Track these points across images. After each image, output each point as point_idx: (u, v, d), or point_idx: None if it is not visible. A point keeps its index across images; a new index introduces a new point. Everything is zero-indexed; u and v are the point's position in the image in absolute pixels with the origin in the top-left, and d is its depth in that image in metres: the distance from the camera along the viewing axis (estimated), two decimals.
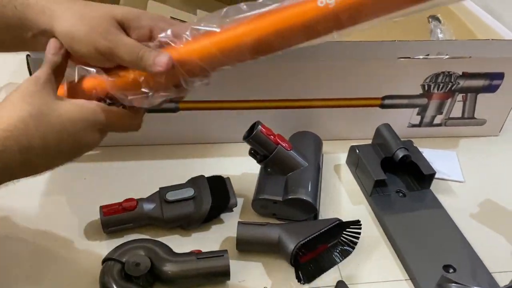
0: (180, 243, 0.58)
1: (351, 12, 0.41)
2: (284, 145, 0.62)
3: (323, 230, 0.56)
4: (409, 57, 0.68)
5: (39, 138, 0.40)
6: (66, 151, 0.43)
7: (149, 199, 0.60)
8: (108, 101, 0.47)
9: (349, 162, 0.72)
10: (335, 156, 0.75)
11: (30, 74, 0.65)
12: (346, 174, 0.72)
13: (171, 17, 0.73)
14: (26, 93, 0.41)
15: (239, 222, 0.57)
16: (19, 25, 0.46)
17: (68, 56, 0.46)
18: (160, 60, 0.43)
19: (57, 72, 0.45)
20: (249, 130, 0.62)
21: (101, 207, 0.58)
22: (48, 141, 0.41)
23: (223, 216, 0.62)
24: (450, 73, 0.71)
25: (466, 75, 0.72)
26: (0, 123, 0.39)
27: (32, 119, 0.40)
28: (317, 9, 0.41)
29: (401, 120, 0.76)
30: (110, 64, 0.46)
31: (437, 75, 0.71)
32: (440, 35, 0.76)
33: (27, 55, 0.62)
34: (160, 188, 0.61)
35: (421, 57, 0.69)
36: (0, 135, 0.38)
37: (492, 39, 0.70)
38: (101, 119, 0.44)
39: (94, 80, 0.48)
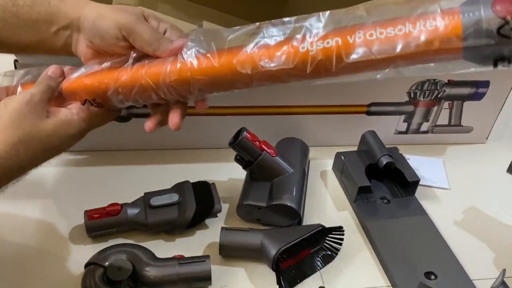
0: (164, 248, 0.58)
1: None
2: (269, 151, 0.63)
3: (305, 236, 0.56)
4: None
5: (29, 160, 0.43)
6: (51, 158, 0.46)
7: (134, 204, 0.60)
8: (92, 102, 0.48)
9: (335, 168, 0.73)
10: (322, 162, 0.75)
11: None
12: (332, 180, 0.72)
13: None
14: (18, 115, 0.42)
15: (222, 228, 0.58)
16: (46, 20, 0.47)
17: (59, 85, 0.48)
18: (177, 42, 0.46)
19: (50, 94, 0.46)
20: (234, 136, 0.63)
21: (86, 212, 0.59)
22: (37, 159, 0.44)
23: (207, 221, 0.63)
24: (436, 80, 0.72)
25: (452, 83, 0.73)
26: None
27: (22, 145, 0.41)
28: (298, 53, 0.42)
29: (388, 127, 0.77)
30: (123, 46, 0.47)
31: (423, 83, 0.72)
32: None
33: (15, 60, 0.63)
34: (145, 193, 0.61)
35: None
36: None
37: None
38: (84, 128, 0.47)
39: (83, 83, 0.48)
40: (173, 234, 0.61)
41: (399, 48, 0.39)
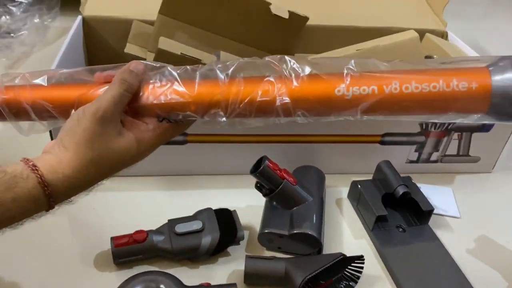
0: (188, 275, 0.59)
1: None
2: (289, 180, 0.65)
3: (328, 265, 0.57)
4: None
5: (98, 177, 0.43)
6: (118, 171, 0.46)
7: (159, 231, 0.61)
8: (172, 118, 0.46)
9: (350, 196, 0.75)
10: (337, 190, 0.77)
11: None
12: (348, 208, 0.74)
13: (181, 53, 0.76)
14: (90, 134, 0.41)
15: (247, 256, 0.59)
16: None
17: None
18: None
19: (125, 102, 0.44)
20: (255, 164, 0.64)
21: (112, 238, 0.60)
22: (106, 175, 0.44)
23: (229, 248, 0.64)
24: None
25: None
26: (65, 167, 0.41)
27: (93, 165, 0.42)
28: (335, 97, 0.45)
29: (400, 156, 0.79)
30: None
31: None
32: None
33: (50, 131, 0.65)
34: (168, 220, 0.62)
35: None
36: (65, 181, 0.40)
37: None
38: (156, 145, 0.46)
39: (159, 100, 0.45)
40: (197, 261, 0.61)
41: (430, 104, 0.43)
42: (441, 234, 0.69)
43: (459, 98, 0.43)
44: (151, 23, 0.85)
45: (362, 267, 0.61)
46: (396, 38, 0.73)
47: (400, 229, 0.68)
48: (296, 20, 0.87)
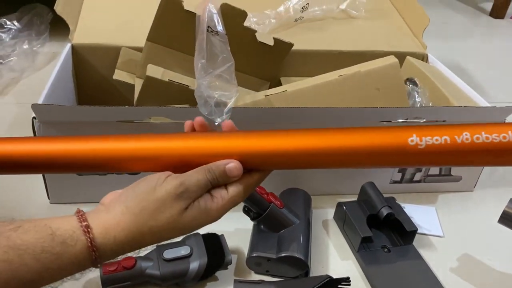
0: None
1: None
2: (276, 203, 0.66)
3: None
4: (390, 121, 0.74)
5: (151, 243, 0.42)
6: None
7: (147, 257, 0.62)
8: None
9: (336, 218, 0.76)
10: (324, 211, 0.78)
11: (34, 135, 0.67)
12: (334, 229, 0.75)
13: (169, 79, 0.78)
14: (160, 206, 0.40)
15: (235, 280, 0.60)
16: None
17: None
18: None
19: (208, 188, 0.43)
20: None
21: (101, 265, 0.60)
22: (160, 241, 0.42)
23: (217, 273, 0.65)
24: None
25: None
26: (120, 231, 0.39)
27: (151, 235, 0.40)
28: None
29: (384, 177, 0.81)
30: None
31: None
32: (418, 99, 0.83)
33: (33, 118, 0.65)
34: (157, 246, 0.63)
35: (400, 120, 0.75)
36: (115, 245, 0.39)
37: (465, 106, 0.77)
38: (222, 215, 0.45)
39: None
40: (185, 287, 0.62)
41: (501, 155, 0.39)
42: (425, 254, 0.71)
43: None
44: (139, 49, 0.87)
45: None
46: (376, 63, 0.75)
47: (385, 250, 0.70)
48: (281, 47, 0.89)
